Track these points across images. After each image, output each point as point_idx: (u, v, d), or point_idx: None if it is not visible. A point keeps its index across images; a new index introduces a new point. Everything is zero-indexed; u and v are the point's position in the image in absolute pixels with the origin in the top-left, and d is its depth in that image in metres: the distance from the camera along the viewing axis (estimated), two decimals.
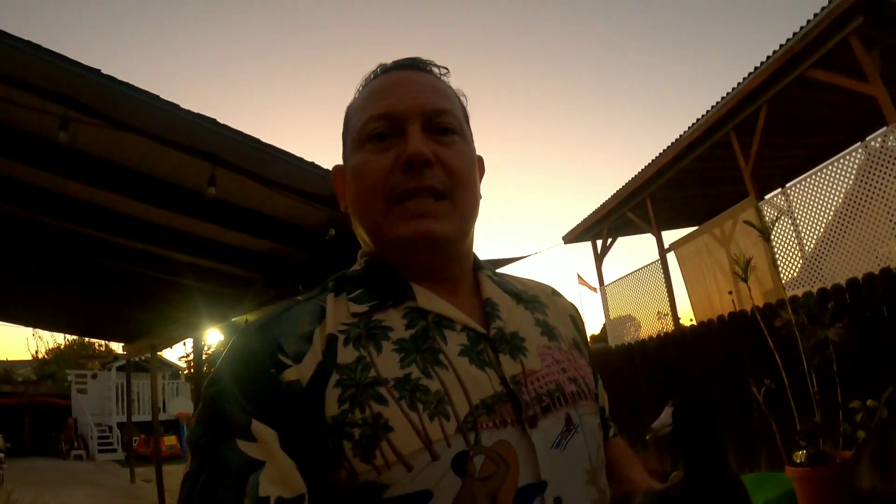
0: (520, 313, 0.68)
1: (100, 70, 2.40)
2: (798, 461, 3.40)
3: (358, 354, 0.56)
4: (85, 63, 2.36)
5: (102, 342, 20.94)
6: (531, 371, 0.60)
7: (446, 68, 0.71)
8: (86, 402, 16.02)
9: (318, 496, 0.53)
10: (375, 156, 0.62)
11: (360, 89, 0.70)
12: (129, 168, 3.07)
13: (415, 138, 0.61)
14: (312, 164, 3.27)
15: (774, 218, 5.73)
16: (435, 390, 0.54)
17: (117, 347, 15.44)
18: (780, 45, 5.47)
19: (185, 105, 2.64)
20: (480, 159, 0.73)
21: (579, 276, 10.28)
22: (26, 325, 10.48)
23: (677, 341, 5.94)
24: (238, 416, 0.52)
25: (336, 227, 3.56)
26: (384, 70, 0.69)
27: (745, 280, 4.13)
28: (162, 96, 2.58)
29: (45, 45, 2.28)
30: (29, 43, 2.25)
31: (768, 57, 5.65)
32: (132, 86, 2.47)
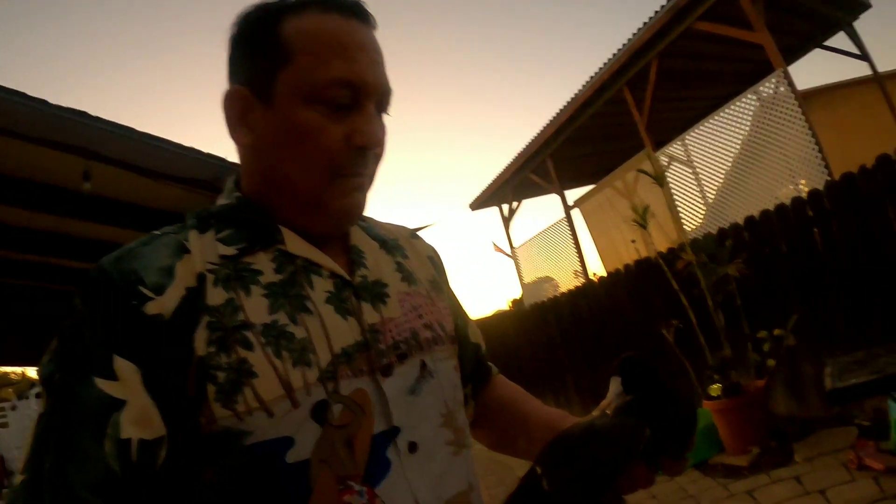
0: (383, 259, 0.70)
1: None
2: (714, 395, 3.60)
3: (228, 296, 0.56)
4: None
5: (18, 369, 18.66)
6: (389, 319, 0.63)
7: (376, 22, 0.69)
8: (9, 436, 14.29)
9: (178, 438, 0.52)
10: (328, 123, 0.61)
11: (300, 11, 0.62)
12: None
13: (374, 122, 0.63)
14: (193, 149, 3.26)
15: (667, 164, 5.99)
16: (300, 337, 0.56)
17: (33, 372, 13.90)
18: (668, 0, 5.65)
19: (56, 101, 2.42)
20: None
21: (494, 244, 10.36)
22: None
23: (588, 294, 6.13)
24: (97, 350, 0.51)
25: None
26: (338, 7, 0.63)
27: (645, 227, 4.31)
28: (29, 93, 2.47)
29: None
30: None
31: (656, 12, 5.81)
32: None
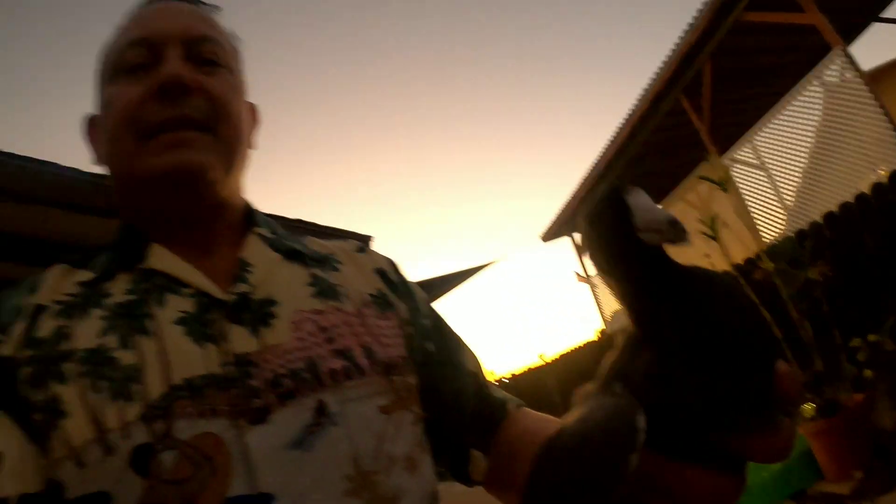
0: (287, 273, 0.58)
1: None
2: (807, 416, 3.26)
3: (58, 325, 0.48)
4: None
5: None
6: (273, 346, 0.50)
7: (215, 5, 0.65)
8: None
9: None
10: (127, 87, 0.55)
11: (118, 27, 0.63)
12: None
13: (172, 61, 0.55)
14: (75, 169, 2.88)
15: (735, 169, 5.68)
16: (126, 364, 0.46)
17: None
18: None
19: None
20: (255, 107, 0.68)
21: (577, 274, 10.15)
22: None
23: None
24: None
25: None
26: (142, 4, 0.63)
27: (715, 238, 4.06)
28: None
29: None
30: None
31: (700, 10, 5.64)
32: None
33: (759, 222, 5.60)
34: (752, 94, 7.39)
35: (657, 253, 0.35)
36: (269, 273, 0.56)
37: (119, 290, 0.51)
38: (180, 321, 0.49)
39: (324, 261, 0.62)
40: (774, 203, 5.53)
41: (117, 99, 0.56)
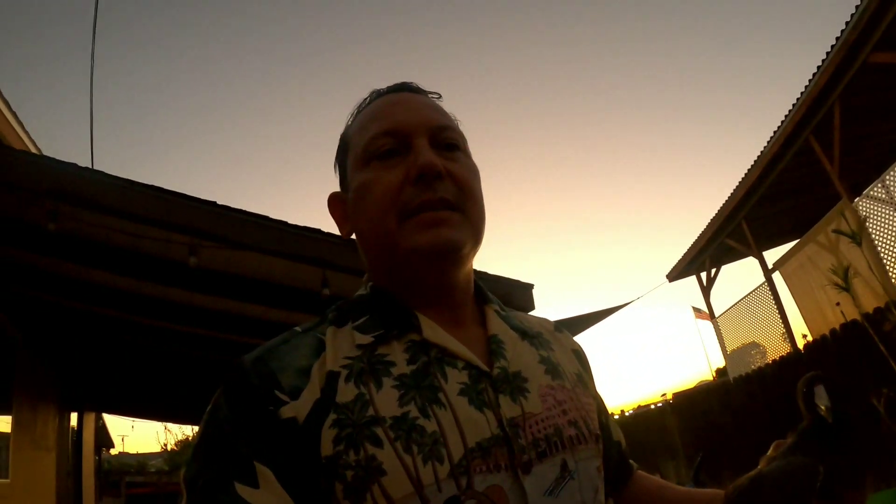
0: (525, 350, 0.68)
1: (215, 202, 3.15)
2: None
3: (357, 392, 0.57)
4: (202, 198, 3.11)
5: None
6: (531, 414, 0.61)
7: (438, 94, 0.75)
8: None
9: None
10: (384, 172, 0.64)
11: (356, 114, 0.75)
12: (246, 277, 3.72)
13: (425, 150, 0.64)
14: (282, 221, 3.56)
15: (868, 214, 5.60)
16: (431, 431, 0.55)
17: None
18: (836, 38, 5.57)
19: (294, 217, 3.24)
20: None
21: (695, 310, 10.20)
22: (160, 420, 11.75)
23: (793, 364, 5.84)
24: (239, 455, 0.53)
25: None
26: (379, 94, 0.74)
27: (847, 290, 4.08)
28: (271, 216, 3.24)
29: (167, 187, 3.07)
30: (156, 187, 3.03)
31: (828, 53, 5.75)
32: (244, 211, 3.17)
33: (891, 270, 5.50)
34: (882, 130, 7.17)
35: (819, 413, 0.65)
36: (514, 350, 0.66)
37: (398, 358, 0.60)
38: (462, 392, 0.58)
39: (537, 337, 0.73)
40: None
41: (375, 183, 0.64)
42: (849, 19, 5.39)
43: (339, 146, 0.75)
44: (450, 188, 0.64)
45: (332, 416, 0.55)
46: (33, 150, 5.35)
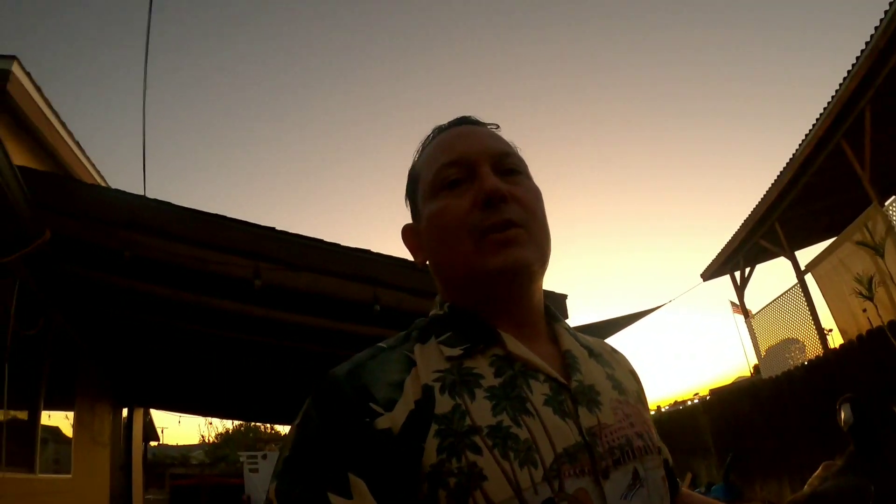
0: (594, 367, 0.72)
1: (274, 227, 3.45)
2: None
3: (454, 403, 0.60)
4: (266, 224, 3.43)
5: (268, 425, 24.35)
6: (605, 424, 0.64)
7: (496, 124, 0.80)
8: (258, 480, 17.86)
9: None
10: (453, 200, 0.69)
11: (421, 150, 0.80)
12: (299, 290, 4.01)
13: (489, 176, 0.68)
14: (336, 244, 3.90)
15: (892, 224, 5.68)
16: (524, 438, 0.58)
17: (283, 429, 17.28)
18: (866, 44, 5.66)
19: (346, 238, 3.51)
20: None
21: (733, 304, 10.31)
22: (204, 415, 12.23)
23: (822, 367, 5.95)
24: (333, 467, 0.55)
25: None
26: (442, 129, 0.79)
27: (870, 298, 4.19)
28: (325, 239, 3.54)
29: (232, 216, 3.38)
30: (224, 217, 3.36)
31: (857, 58, 5.84)
32: (301, 235, 3.47)
33: None
34: None
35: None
36: (586, 366, 0.70)
37: (485, 371, 0.63)
38: (546, 402, 0.62)
39: (601, 356, 0.78)
40: None
41: (447, 211, 0.68)
42: (878, 24, 5.47)
43: (408, 181, 0.80)
44: (515, 210, 0.68)
45: (435, 427, 0.58)
46: (94, 175, 5.72)
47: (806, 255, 8.57)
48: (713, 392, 11.18)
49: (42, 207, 3.03)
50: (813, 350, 7.66)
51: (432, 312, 0.73)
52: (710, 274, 10.49)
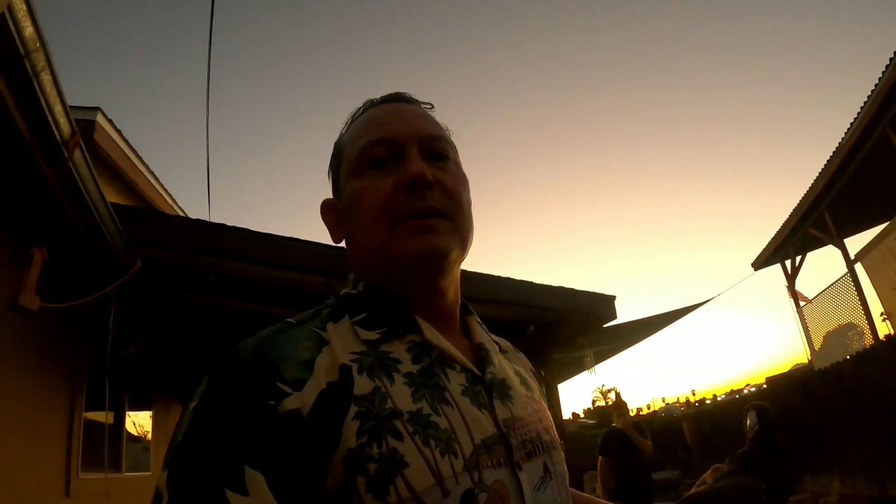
0: (503, 361, 0.74)
1: (343, 246, 3.76)
2: None
3: (375, 385, 0.58)
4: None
5: None
6: (518, 417, 0.66)
7: (431, 104, 0.79)
8: None
9: None
10: (376, 180, 0.67)
11: (349, 123, 0.78)
12: None
13: (416, 159, 0.67)
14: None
15: None
16: (444, 427, 0.58)
17: None
18: None
19: None
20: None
21: (788, 289, 10.20)
22: None
23: (870, 360, 6.00)
24: (229, 459, 0.50)
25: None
26: (373, 103, 0.77)
27: None
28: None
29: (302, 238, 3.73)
30: (291, 238, 3.70)
31: None
32: None
33: None
34: None
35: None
36: (497, 360, 0.72)
37: (403, 357, 0.63)
38: (464, 392, 0.63)
39: (507, 353, 0.81)
40: None
41: (367, 191, 0.67)
42: None
43: (332, 154, 0.78)
44: (438, 196, 0.67)
45: (354, 409, 0.55)
46: (171, 204, 6.12)
47: (856, 243, 8.52)
48: (769, 380, 11.17)
49: (132, 239, 3.40)
50: (869, 336, 7.62)
51: (344, 291, 0.71)
52: (760, 263, 10.47)
